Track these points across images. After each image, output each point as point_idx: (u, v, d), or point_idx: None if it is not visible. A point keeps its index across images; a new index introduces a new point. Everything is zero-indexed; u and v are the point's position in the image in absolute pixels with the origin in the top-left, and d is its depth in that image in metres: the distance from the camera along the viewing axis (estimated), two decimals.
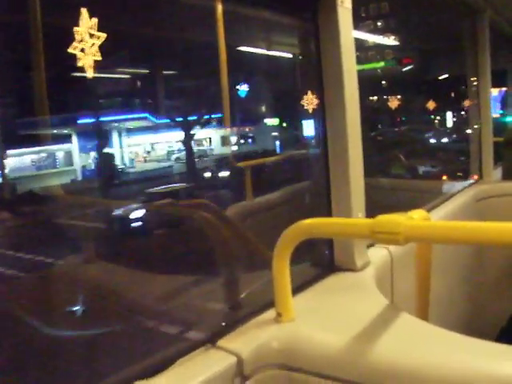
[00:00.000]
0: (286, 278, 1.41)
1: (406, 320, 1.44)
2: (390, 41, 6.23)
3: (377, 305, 1.53)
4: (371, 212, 1.89)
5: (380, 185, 4.38)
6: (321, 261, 1.93)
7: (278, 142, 13.77)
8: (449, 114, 23.90)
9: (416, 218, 1.27)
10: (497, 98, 8.79)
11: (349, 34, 1.84)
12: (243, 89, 9.49)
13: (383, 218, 1.19)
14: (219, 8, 3.03)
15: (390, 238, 1.17)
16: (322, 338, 1.37)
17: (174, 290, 1.86)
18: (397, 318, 1.43)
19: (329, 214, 1.88)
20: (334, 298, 1.68)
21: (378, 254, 1.98)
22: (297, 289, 1.66)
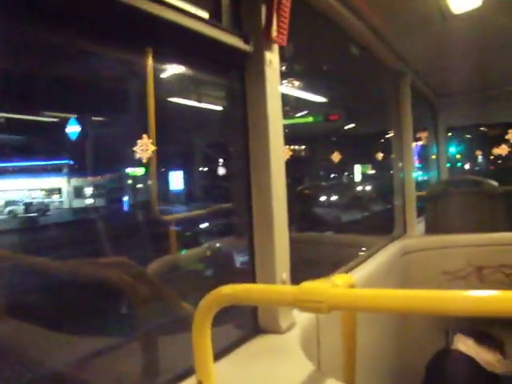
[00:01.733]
0: (207, 344, 1.35)
1: None
2: (316, 98, 6.37)
3: (301, 370, 1.49)
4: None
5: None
6: (245, 322, 1.88)
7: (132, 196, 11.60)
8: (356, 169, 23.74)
9: (340, 283, 1.24)
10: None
11: (276, 93, 1.85)
12: (74, 130, 8.34)
13: (307, 286, 1.16)
14: None
15: (314, 306, 1.14)
16: None
17: (83, 355, 1.74)
18: None
19: (253, 273, 1.85)
20: (257, 362, 1.62)
21: (304, 316, 1.94)
22: (220, 353, 1.61)
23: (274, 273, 1.80)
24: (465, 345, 2.94)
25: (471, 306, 1.02)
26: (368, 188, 19.47)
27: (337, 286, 1.20)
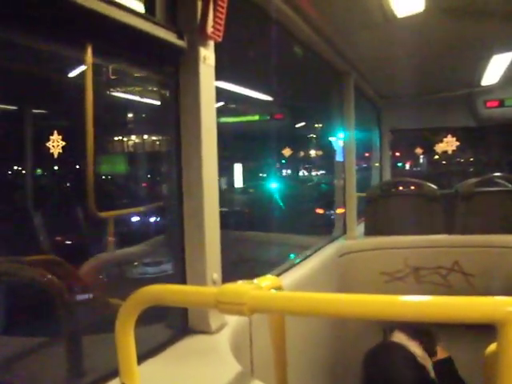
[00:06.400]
0: (131, 345, 1.31)
1: None
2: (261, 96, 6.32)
3: (229, 371, 1.47)
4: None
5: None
6: (174, 322, 1.84)
7: None
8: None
9: (265, 285, 1.22)
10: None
11: (210, 89, 1.82)
12: None
13: (228, 287, 1.14)
14: None
15: (235, 308, 1.11)
16: None
17: (3, 356, 1.67)
18: None
19: (183, 273, 1.81)
20: (185, 364, 1.59)
21: (236, 317, 1.91)
22: (147, 353, 1.57)
23: (205, 273, 1.78)
24: (398, 338, 3.00)
25: (400, 311, 1.01)
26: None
27: (260, 288, 1.18)
